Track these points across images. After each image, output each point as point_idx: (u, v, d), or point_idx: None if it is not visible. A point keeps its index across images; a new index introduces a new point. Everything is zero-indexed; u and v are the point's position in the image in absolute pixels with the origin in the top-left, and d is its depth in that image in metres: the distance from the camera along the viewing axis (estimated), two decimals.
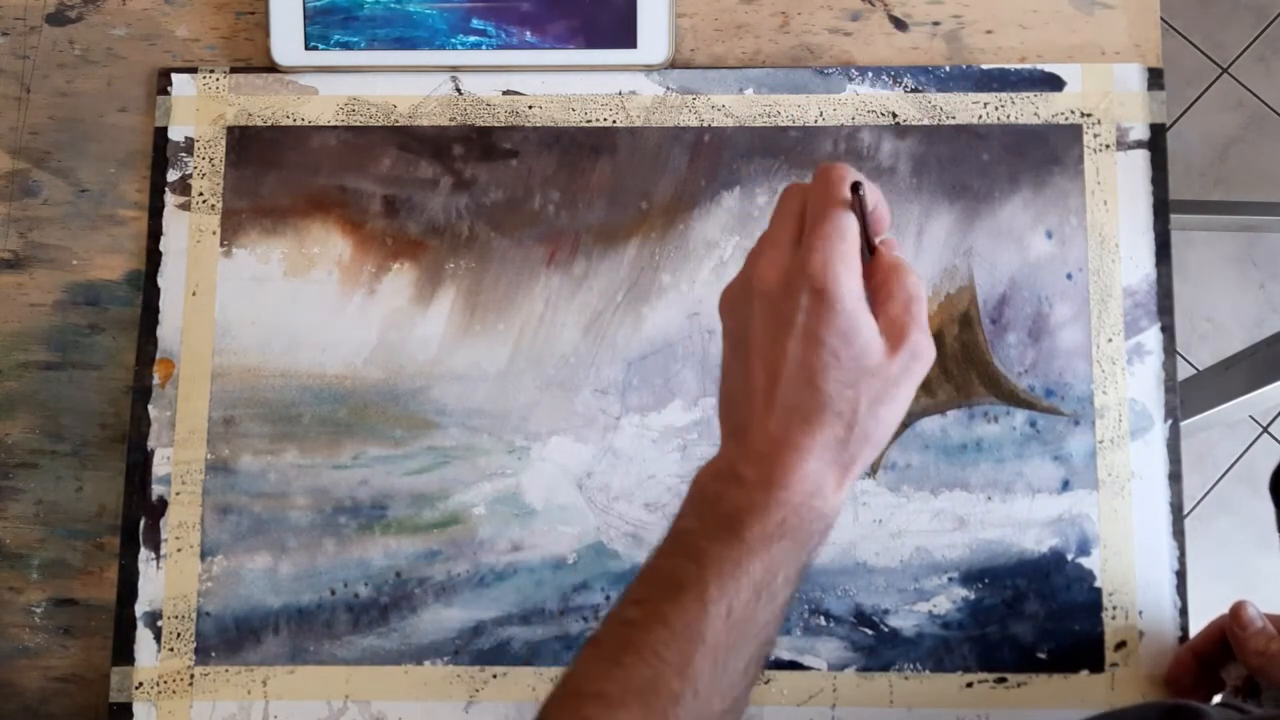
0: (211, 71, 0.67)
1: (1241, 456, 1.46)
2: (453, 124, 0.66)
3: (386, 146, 0.66)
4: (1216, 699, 0.59)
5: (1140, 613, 0.60)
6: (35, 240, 0.66)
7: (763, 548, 0.41)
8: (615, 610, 0.42)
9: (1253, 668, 0.55)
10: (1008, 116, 0.65)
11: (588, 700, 0.40)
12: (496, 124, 0.66)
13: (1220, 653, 0.58)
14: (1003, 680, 0.60)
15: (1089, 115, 0.65)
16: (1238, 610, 0.56)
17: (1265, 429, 1.48)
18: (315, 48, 0.66)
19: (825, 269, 0.41)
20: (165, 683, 0.61)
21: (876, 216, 0.44)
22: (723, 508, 0.42)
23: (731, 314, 0.45)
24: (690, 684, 0.39)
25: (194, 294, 0.64)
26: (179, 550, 0.62)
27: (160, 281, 0.64)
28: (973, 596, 0.61)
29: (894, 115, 0.65)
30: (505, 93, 0.66)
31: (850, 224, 0.42)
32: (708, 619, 0.40)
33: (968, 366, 0.62)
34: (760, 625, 0.41)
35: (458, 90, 0.66)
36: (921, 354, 0.43)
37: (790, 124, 0.65)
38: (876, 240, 0.44)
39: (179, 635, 0.61)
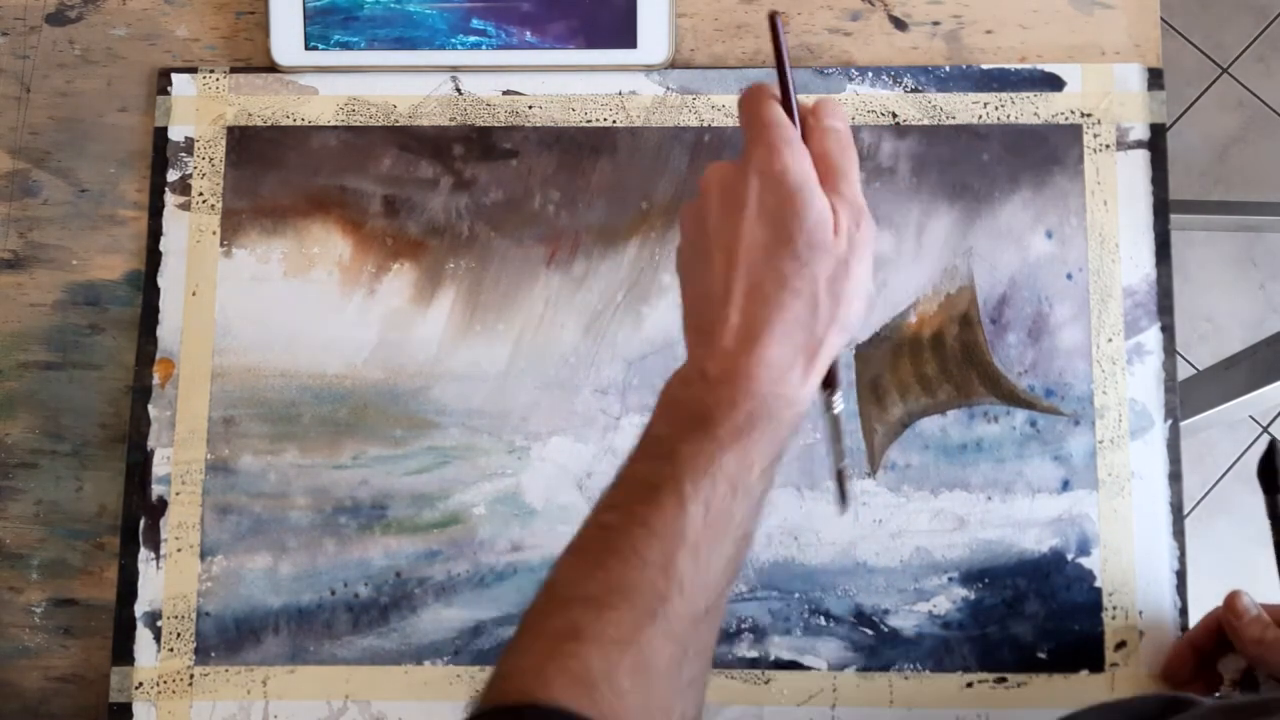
0: (211, 71, 0.67)
1: (1241, 456, 1.46)
2: (453, 124, 0.66)
3: (386, 146, 0.66)
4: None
5: (1140, 612, 0.60)
6: (35, 240, 0.66)
7: (734, 442, 0.41)
8: (591, 517, 0.42)
9: (1250, 656, 0.56)
10: (1008, 116, 0.65)
11: (574, 604, 0.39)
12: (496, 124, 0.66)
13: (1217, 645, 0.58)
14: (1003, 680, 0.60)
15: (1089, 115, 0.65)
16: (1232, 599, 0.56)
17: (1265, 429, 1.48)
18: (315, 48, 0.66)
19: (770, 151, 0.43)
20: (165, 683, 0.61)
21: (784, 59, 0.46)
22: (692, 409, 0.42)
23: (691, 218, 0.45)
24: (675, 582, 0.39)
25: (194, 294, 0.64)
26: (179, 550, 0.62)
27: (160, 281, 0.64)
28: (973, 596, 0.61)
29: (894, 115, 0.65)
30: (505, 93, 0.66)
31: (777, 113, 0.44)
32: (686, 517, 0.40)
33: (968, 366, 0.62)
34: (738, 521, 0.42)
35: (458, 90, 0.66)
36: (861, 220, 0.44)
37: None
38: (803, 111, 0.45)
39: (179, 635, 0.61)
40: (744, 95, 0.45)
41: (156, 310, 0.64)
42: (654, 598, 0.39)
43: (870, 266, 0.44)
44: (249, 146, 0.66)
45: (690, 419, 0.42)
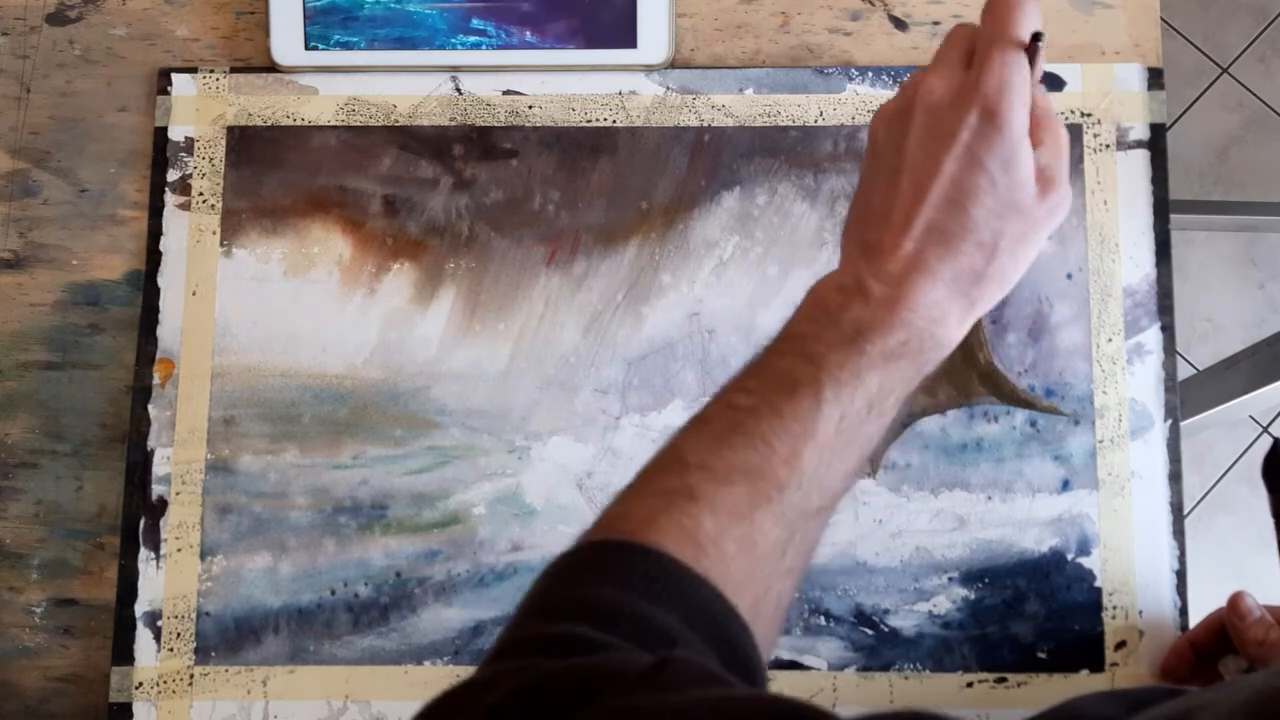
0: (211, 71, 0.67)
1: (1241, 456, 1.46)
2: (453, 124, 0.66)
3: (386, 146, 0.66)
4: None
5: (1140, 612, 0.60)
6: (35, 240, 0.66)
7: (882, 364, 0.41)
8: (722, 395, 0.42)
9: (1252, 657, 0.56)
10: None
11: (693, 470, 0.39)
12: (496, 124, 0.66)
13: (1217, 645, 0.58)
14: (1003, 680, 0.60)
15: (1089, 115, 0.65)
16: (1236, 600, 0.56)
17: (1265, 429, 1.48)
18: (315, 48, 0.66)
19: (1001, 91, 0.41)
20: (165, 683, 0.61)
21: (1038, 65, 0.43)
22: (845, 319, 0.42)
23: (885, 128, 0.44)
24: (795, 475, 0.40)
25: (194, 294, 0.64)
26: (179, 550, 0.62)
27: (160, 281, 0.64)
28: (973, 596, 0.61)
29: None
30: (505, 93, 0.66)
31: (1023, 57, 0.42)
32: (820, 418, 0.40)
33: (968, 366, 0.62)
34: (865, 438, 0.42)
35: (458, 90, 0.66)
36: (1063, 205, 0.43)
37: (790, 124, 0.65)
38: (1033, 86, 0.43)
39: (179, 635, 0.61)
40: (999, 8, 0.42)
41: (156, 310, 0.64)
42: (773, 483, 0.39)
43: (1044, 242, 0.44)
44: (249, 146, 0.66)
45: (841, 328, 0.42)
